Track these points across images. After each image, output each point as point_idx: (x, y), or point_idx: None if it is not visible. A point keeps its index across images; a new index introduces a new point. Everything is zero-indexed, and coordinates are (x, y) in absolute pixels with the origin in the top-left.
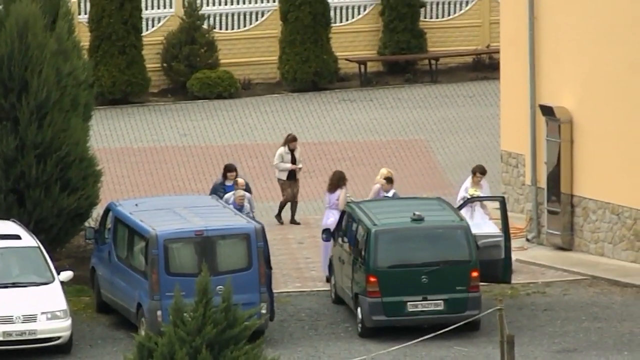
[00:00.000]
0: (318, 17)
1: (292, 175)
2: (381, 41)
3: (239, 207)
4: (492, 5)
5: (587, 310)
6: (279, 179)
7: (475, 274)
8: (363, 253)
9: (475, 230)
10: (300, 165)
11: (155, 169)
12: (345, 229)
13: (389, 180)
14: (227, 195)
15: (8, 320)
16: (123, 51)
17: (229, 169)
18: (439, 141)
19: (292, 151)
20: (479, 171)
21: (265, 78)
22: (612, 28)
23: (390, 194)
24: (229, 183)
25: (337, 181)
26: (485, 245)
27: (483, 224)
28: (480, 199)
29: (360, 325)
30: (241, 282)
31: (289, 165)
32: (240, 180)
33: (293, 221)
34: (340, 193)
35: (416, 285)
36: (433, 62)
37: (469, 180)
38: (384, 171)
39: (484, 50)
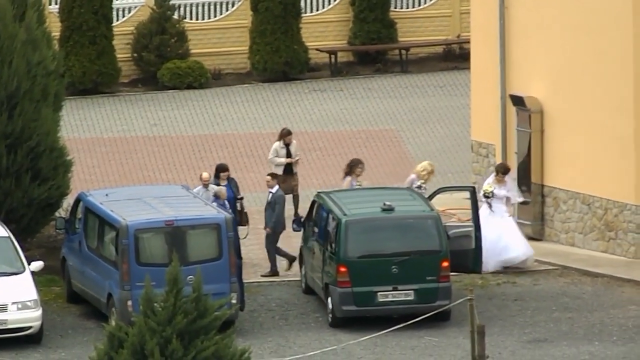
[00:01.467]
0: (288, 7)
1: (288, 169)
2: (351, 31)
3: (221, 204)
4: None
5: (557, 300)
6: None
7: (445, 264)
8: (333, 243)
9: (493, 229)
10: (297, 158)
11: (125, 159)
12: (316, 219)
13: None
14: (195, 189)
15: None
16: (94, 41)
17: (220, 169)
18: (409, 131)
19: (287, 145)
20: (502, 171)
21: (236, 68)
22: (582, 18)
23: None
24: (223, 183)
25: (347, 168)
26: (455, 235)
27: (502, 221)
28: (450, 188)
29: (330, 315)
30: (211, 272)
31: (283, 160)
32: (204, 175)
33: (296, 215)
34: (346, 180)
35: (386, 275)
36: (403, 52)
37: (492, 177)
38: (426, 164)
39: (454, 40)
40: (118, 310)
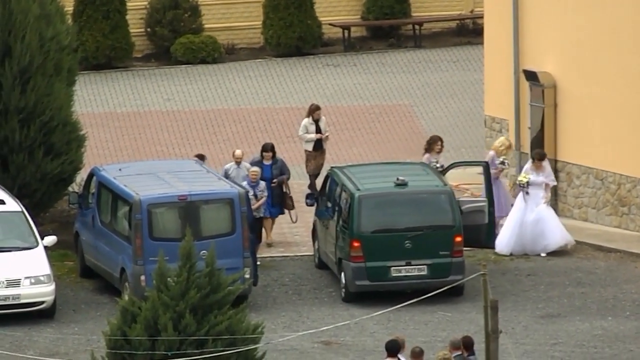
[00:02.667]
0: None
1: (318, 145)
2: (365, 6)
3: (253, 184)
4: None
5: (570, 275)
6: (305, 150)
7: (458, 239)
8: (346, 218)
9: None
10: (327, 134)
11: (138, 134)
12: (329, 194)
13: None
14: (227, 166)
15: None
16: (107, 16)
17: (263, 148)
18: (422, 106)
19: (316, 121)
20: (538, 157)
21: (249, 43)
22: None
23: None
24: (266, 162)
25: (426, 145)
26: (468, 210)
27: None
28: (463, 163)
29: (343, 290)
30: (225, 247)
31: (313, 136)
32: (237, 153)
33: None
34: (424, 158)
35: (400, 250)
36: (417, 27)
37: (529, 163)
38: (503, 140)
39: (467, 15)
40: (131, 285)
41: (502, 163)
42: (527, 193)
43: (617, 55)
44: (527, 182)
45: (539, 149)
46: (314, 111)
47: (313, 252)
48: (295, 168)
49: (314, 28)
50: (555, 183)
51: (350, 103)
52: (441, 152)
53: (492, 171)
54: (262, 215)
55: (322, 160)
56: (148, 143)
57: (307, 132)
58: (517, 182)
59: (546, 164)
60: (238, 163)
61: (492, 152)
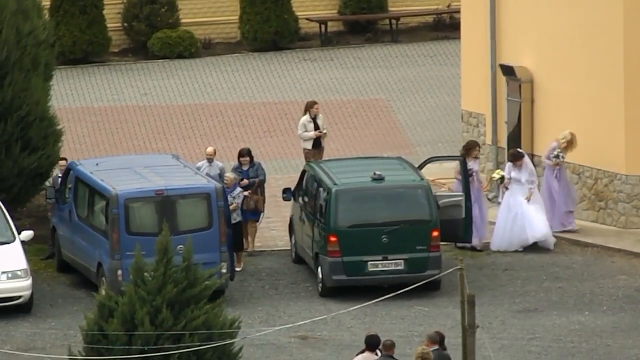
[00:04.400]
0: None
1: (317, 143)
2: (342, 0)
3: (229, 190)
4: None
5: (547, 270)
6: (304, 149)
7: (435, 233)
8: (323, 213)
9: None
10: (324, 131)
11: (115, 129)
12: (306, 189)
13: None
14: (199, 164)
15: None
16: (84, 11)
17: (239, 154)
18: (399, 100)
19: (314, 118)
20: (510, 159)
21: (226, 37)
22: None
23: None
24: (245, 167)
25: (463, 150)
26: (445, 205)
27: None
28: (440, 158)
29: (320, 284)
30: (201, 242)
31: (312, 134)
32: (209, 150)
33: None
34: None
35: (376, 245)
36: (394, 21)
37: (509, 165)
38: (567, 134)
39: (444, 10)
40: (108, 279)
41: (557, 157)
42: (506, 188)
43: (594, 50)
44: (500, 179)
45: (514, 149)
46: (310, 107)
47: (290, 246)
48: (273, 162)
49: (290, 23)
50: (532, 185)
51: (327, 98)
52: (478, 159)
53: (547, 162)
54: (238, 220)
55: (321, 157)
56: (125, 138)
57: (306, 130)
58: (492, 178)
59: (527, 161)
60: (210, 160)
61: (555, 144)
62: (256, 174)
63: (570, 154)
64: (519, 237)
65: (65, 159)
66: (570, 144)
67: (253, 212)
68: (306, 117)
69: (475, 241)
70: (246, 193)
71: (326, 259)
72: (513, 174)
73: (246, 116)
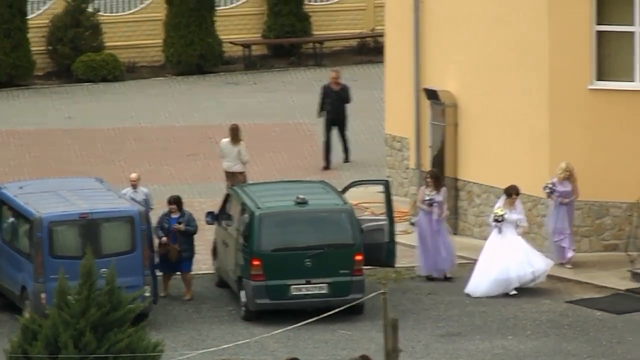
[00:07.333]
0: (203, 0)
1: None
2: (266, 24)
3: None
4: None
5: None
6: (242, 172)
7: (359, 257)
8: (247, 236)
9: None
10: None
11: (40, 152)
12: (229, 212)
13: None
14: (123, 191)
15: None
16: (8, 34)
17: (168, 201)
18: (323, 124)
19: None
20: (515, 192)
21: (150, 61)
22: (497, 11)
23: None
24: (174, 215)
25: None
26: (369, 229)
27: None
28: (363, 182)
29: (243, 308)
30: (125, 265)
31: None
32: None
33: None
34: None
35: (300, 269)
36: (318, 45)
37: (502, 200)
38: (563, 165)
39: (368, 34)
40: (32, 302)
41: (545, 187)
42: (500, 230)
43: (519, 74)
44: (503, 216)
45: (513, 184)
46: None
47: (213, 270)
48: (196, 186)
49: (214, 46)
50: (526, 224)
51: (251, 121)
52: (443, 190)
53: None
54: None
55: (244, 181)
56: (49, 161)
57: (222, 154)
58: (493, 217)
59: (519, 202)
60: (134, 186)
61: (555, 179)
62: (187, 224)
63: (494, 178)
64: (524, 272)
65: None
66: (565, 172)
67: (182, 263)
68: (226, 140)
69: (445, 271)
70: (181, 227)
71: (249, 283)
72: (506, 215)
73: (170, 140)
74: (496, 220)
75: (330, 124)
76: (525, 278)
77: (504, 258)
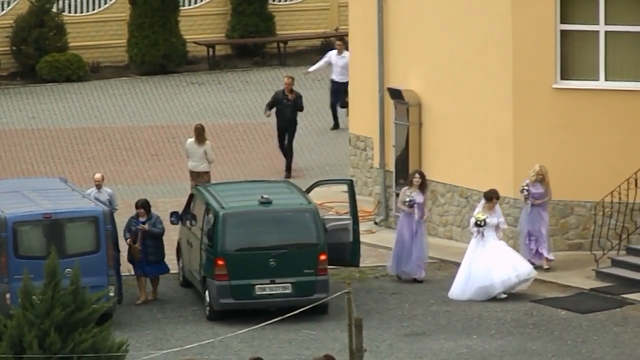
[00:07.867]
0: (167, 0)
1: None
2: (229, 24)
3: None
4: None
5: (435, 293)
6: (207, 172)
7: (323, 257)
8: (211, 236)
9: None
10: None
11: (4, 152)
12: (193, 212)
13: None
14: (88, 191)
15: None
16: None
17: (136, 205)
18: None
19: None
20: (495, 197)
21: (114, 61)
22: (461, 11)
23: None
24: (141, 219)
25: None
26: (333, 229)
27: (502, 251)
28: (327, 182)
29: (208, 308)
30: (89, 265)
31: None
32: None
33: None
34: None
35: (264, 269)
36: (281, 45)
37: (482, 204)
38: (536, 168)
39: (332, 34)
40: None
41: (522, 190)
42: (482, 235)
43: (483, 74)
44: (484, 221)
45: (493, 188)
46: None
47: (177, 270)
48: (160, 186)
49: (178, 46)
50: (506, 226)
51: (215, 121)
52: (425, 190)
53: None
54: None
55: (208, 181)
56: (13, 161)
57: (187, 153)
58: (474, 221)
59: (497, 206)
60: (99, 187)
61: (528, 181)
62: (154, 226)
63: (458, 178)
64: (509, 276)
65: None
66: (538, 175)
67: (153, 266)
68: (191, 140)
69: (422, 272)
70: (145, 227)
71: (214, 283)
72: (487, 219)
73: (134, 139)
74: (478, 225)
75: (283, 131)
76: (510, 282)
77: (487, 264)
